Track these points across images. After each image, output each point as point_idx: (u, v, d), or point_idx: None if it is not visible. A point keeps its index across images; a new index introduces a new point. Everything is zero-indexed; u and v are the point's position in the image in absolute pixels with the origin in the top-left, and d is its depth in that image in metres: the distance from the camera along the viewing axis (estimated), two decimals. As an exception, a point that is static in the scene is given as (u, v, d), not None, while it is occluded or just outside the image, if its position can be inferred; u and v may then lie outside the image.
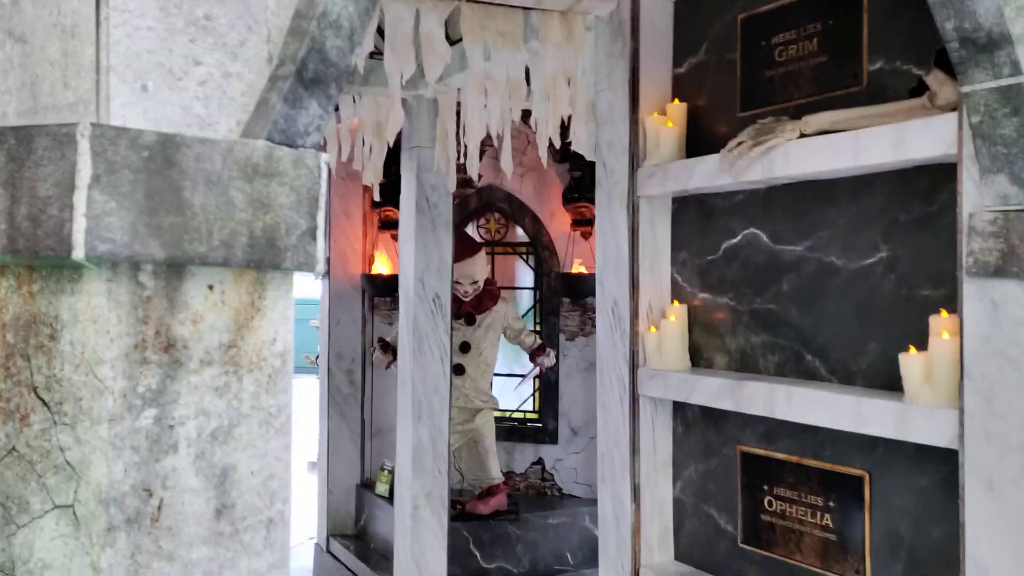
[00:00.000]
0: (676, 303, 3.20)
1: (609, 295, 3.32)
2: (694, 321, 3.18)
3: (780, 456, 2.84)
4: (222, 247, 1.16)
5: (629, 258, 3.23)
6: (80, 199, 1.07)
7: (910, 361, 2.31)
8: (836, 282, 2.68)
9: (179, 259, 1.13)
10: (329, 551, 5.90)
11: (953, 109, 2.26)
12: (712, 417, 3.08)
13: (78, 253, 1.07)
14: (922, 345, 2.34)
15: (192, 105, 1.19)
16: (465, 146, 4.15)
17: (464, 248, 5.05)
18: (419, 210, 4.69)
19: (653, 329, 3.18)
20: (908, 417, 2.29)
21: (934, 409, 2.24)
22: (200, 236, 1.14)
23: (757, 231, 2.94)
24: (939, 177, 2.39)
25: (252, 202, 1.18)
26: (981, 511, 2.12)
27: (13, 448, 1.18)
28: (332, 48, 1.24)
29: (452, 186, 4.54)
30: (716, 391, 2.88)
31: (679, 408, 3.23)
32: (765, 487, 2.89)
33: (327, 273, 5.98)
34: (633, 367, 3.21)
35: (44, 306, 1.17)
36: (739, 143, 2.74)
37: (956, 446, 2.18)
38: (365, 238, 5.96)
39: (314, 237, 1.23)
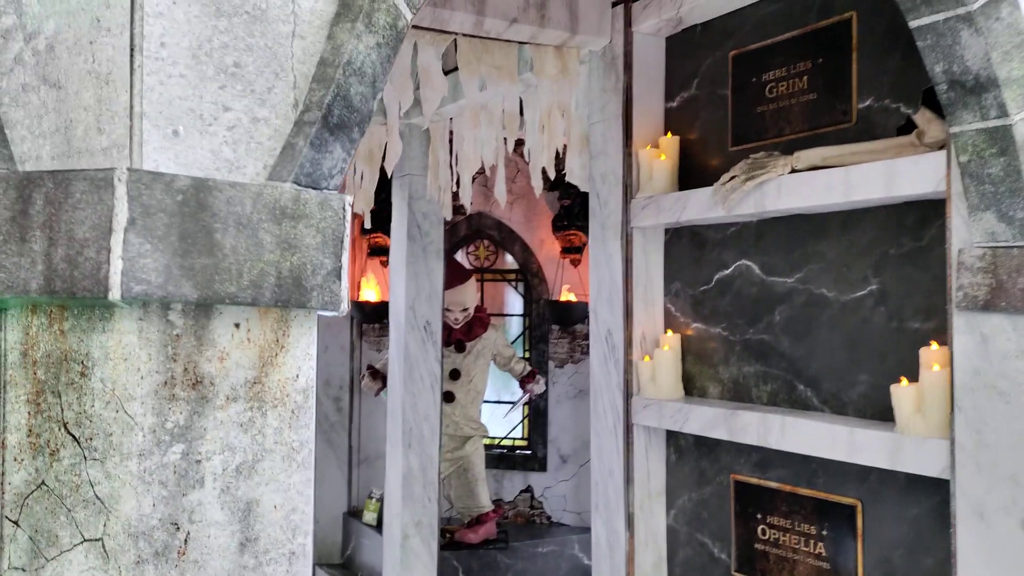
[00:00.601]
0: (669, 333, 3.25)
1: (603, 324, 3.37)
2: (687, 351, 3.23)
3: (773, 485, 2.89)
4: (251, 287, 1.19)
5: (623, 288, 3.28)
6: (117, 242, 1.10)
7: (902, 392, 2.37)
8: (827, 314, 2.74)
9: (210, 299, 1.17)
10: (317, 579, 5.87)
11: (941, 147, 2.33)
12: (706, 446, 3.12)
13: (114, 294, 1.10)
14: (913, 376, 2.40)
15: (221, 149, 1.22)
16: (458, 175, 4.20)
17: (454, 275, 5.09)
18: (410, 238, 4.73)
19: (647, 358, 3.23)
20: (900, 447, 2.35)
21: (925, 439, 2.29)
22: (230, 277, 1.18)
23: (749, 263, 3.01)
24: (928, 212, 2.46)
25: (280, 243, 1.21)
26: (972, 540, 2.17)
27: (43, 482, 1.20)
28: (356, 94, 1.28)
29: (447, 214, 4.60)
30: (710, 420, 2.92)
31: (672, 437, 3.27)
32: (758, 516, 2.93)
33: (317, 300, 6.00)
34: (627, 396, 3.25)
35: (75, 344, 1.20)
36: (732, 177, 2.80)
37: (947, 476, 2.24)
38: (354, 264, 5.98)
39: (339, 277, 1.27)
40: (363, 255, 5.99)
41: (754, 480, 2.95)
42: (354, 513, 5.92)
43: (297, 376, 1.33)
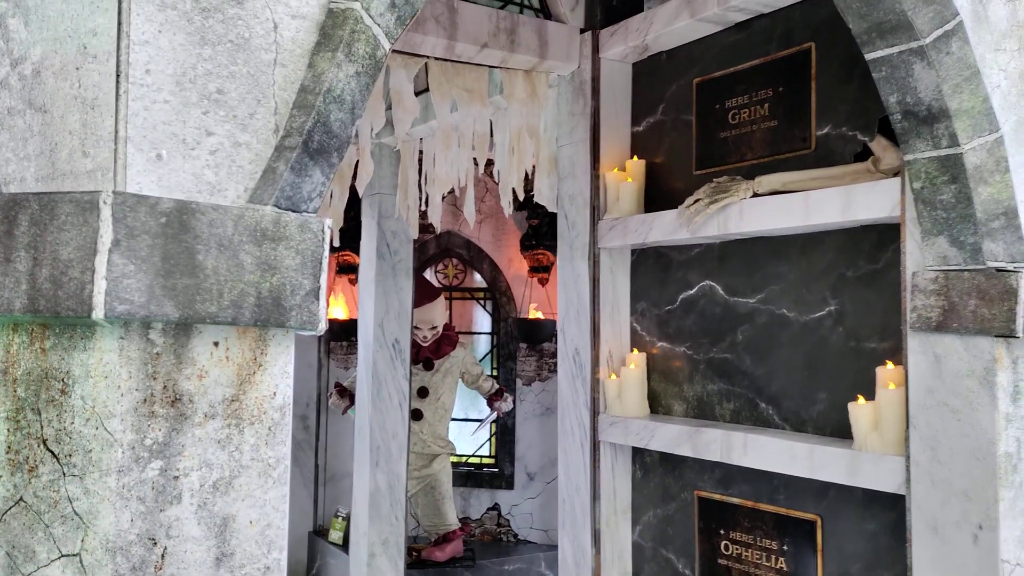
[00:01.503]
0: (635, 351, 3.32)
1: (571, 343, 3.43)
2: (653, 369, 3.29)
3: (736, 501, 2.95)
4: (231, 307, 1.23)
5: (590, 307, 3.34)
6: (101, 262, 1.13)
7: (859, 410, 2.45)
8: (788, 333, 2.82)
9: (191, 319, 1.20)
10: (282, 599, 5.83)
11: (896, 173, 2.43)
12: (671, 463, 3.19)
13: (98, 313, 1.13)
14: (870, 395, 2.48)
15: (203, 173, 1.26)
16: (428, 195, 4.25)
17: (423, 294, 5.12)
18: (379, 256, 4.76)
19: (613, 376, 3.29)
20: (858, 464, 2.42)
21: (882, 456, 2.37)
22: (211, 297, 1.21)
23: (713, 283, 3.08)
24: (884, 236, 2.56)
25: (260, 264, 1.25)
26: (927, 553, 2.24)
27: (21, 499, 1.22)
28: (336, 121, 1.33)
29: (414, 233, 4.64)
30: (675, 438, 2.99)
31: (638, 454, 3.33)
32: (721, 531, 3.00)
33: (284, 317, 5.99)
34: (594, 413, 3.31)
35: (56, 362, 1.22)
36: (696, 200, 2.88)
37: (903, 491, 2.31)
38: (323, 283, 5.99)
39: (317, 297, 1.30)
40: (332, 273, 6.00)
41: (717, 496, 3.02)
42: (320, 532, 5.90)
43: (275, 394, 1.36)
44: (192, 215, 1.20)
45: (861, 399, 2.47)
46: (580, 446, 3.35)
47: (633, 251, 3.39)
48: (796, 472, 2.61)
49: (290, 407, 1.36)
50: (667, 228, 3.05)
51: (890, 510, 2.48)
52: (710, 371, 3.08)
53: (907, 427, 2.31)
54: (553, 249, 5.62)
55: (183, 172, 1.25)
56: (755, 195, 2.76)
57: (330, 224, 1.33)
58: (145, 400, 1.23)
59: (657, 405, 3.28)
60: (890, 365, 2.45)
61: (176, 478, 1.25)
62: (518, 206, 5.84)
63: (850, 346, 2.64)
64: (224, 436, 1.30)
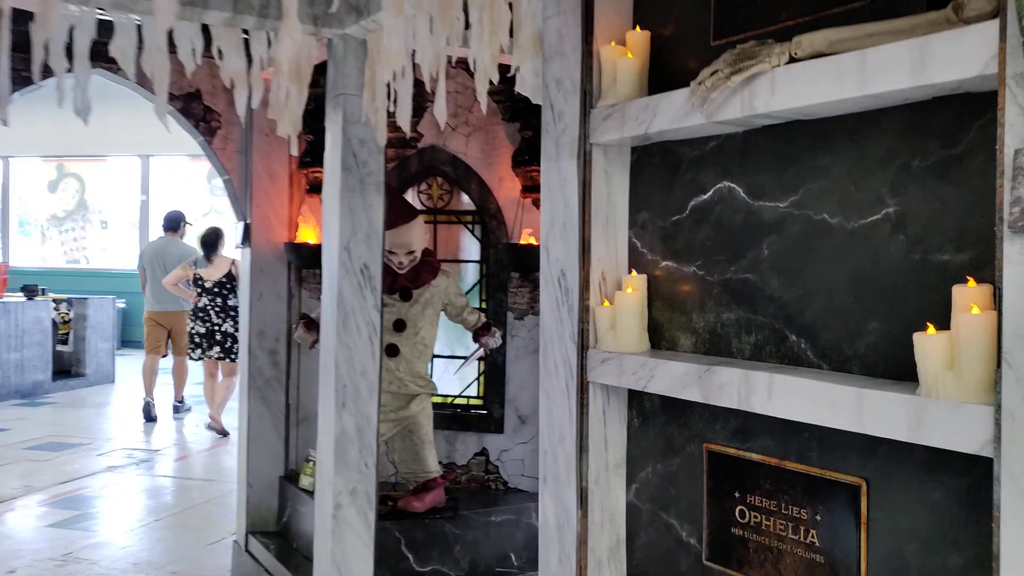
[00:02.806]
0: (634, 273, 2.68)
1: (555, 263, 2.80)
2: (655, 294, 2.66)
3: (755, 457, 2.34)
4: None
5: (579, 219, 2.70)
6: None
7: (928, 343, 1.81)
8: (829, 245, 2.18)
9: None
10: (248, 550, 5.34)
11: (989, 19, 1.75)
12: (675, 409, 2.57)
13: None
14: (943, 323, 1.84)
15: None
16: (395, 91, 3.59)
17: (398, 214, 4.49)
18: (345, 168, 4.11)
19: (607, 303, 2.66)
20: (924, 414, 1.80)
21: (959, 405, 1.75)
22: None
23: (733, 185, 2.43)
24: (965, 110, 1.89)
25: None
26: (1022, 536, 1.63)
27: None
28: None
29: (382, 140, 3.98)
30: (680, 378, 2.36)
31: (635, 398, 2.72)
32: (737, 494, 2.40)
33: (247, 240, 5.38)
34: (582, 349, 2.69)
35: None
36: (713, 72, 2.21)
37: (990, 452, 1.69)
38: (292, 203, 5.37)
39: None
40: (301, 192, 5.37)
41: (732, 451, 2.41)
42: (291, 477, 5.38)
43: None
44: None
45: (931, 328, 1.84)
46: (564, 388, 2.74)
47: (633, 149, 2.73)
48: (836, 424, 1.99)
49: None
50: (676, 112, 2.38)
51: (965, 474, 1.86)
52: (726, 296, 2.45)
53: (998, 366, 1.68)
54: (549, 165, 4.96)
55: None
56: (792, 60, 2.09)
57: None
58: None
59: (659, 339, 2.66)
60: (973, 283, 1.81)
61: None
62: (510, 115, 5.16)
63: (914, 259, 1.99)
64: None
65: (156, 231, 13.18)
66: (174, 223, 10.41)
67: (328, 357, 4.24)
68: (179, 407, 10.43)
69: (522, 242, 4.96)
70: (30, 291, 12.52)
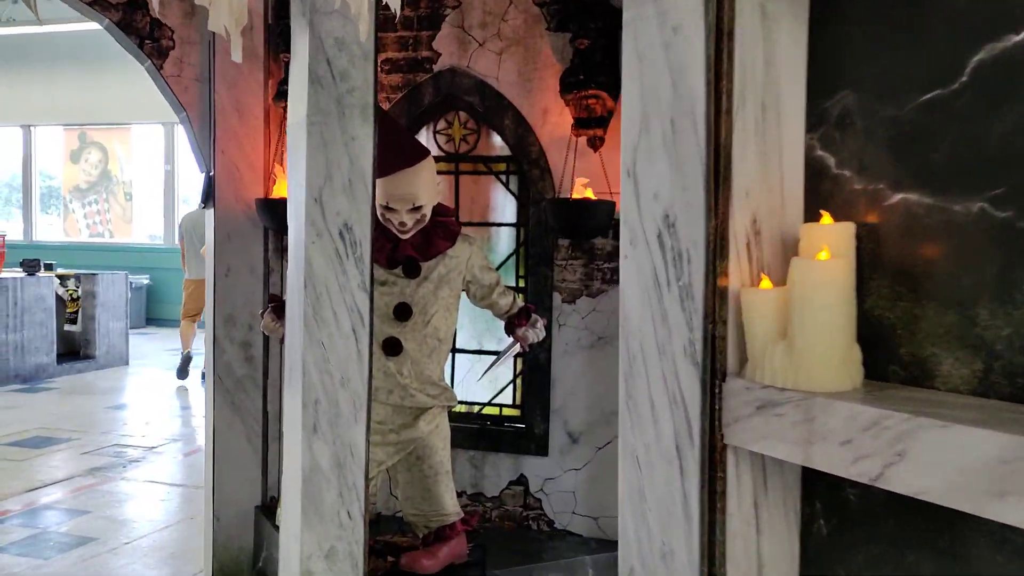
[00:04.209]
0: (825, 218, 1.29)
1: (652, 203, 1.41)
2: (874, 266, 1.27)
3: None
4: None
5: (705, 110, 1.31)
6: None
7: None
8: None
9: None
10: (211, 605, 4.07)
11: None
12: (926, 516, 1.18)
13: None
14: None
15: None
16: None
17: (398, 152, 3.13)
18: (315, 81, 2.75)
19: (767, 284, 1.27)
20: None
21: None
22: None
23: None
24: None
25: None
26: None
27: None
28: None
29: (364, 35, 2.61)
30: (989, 468, 0.97)
31: (819, 484, 1.33)
32: None
33: (210, 199, 4.08)
34: (712, 376, 1.31)
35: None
36: None
37: None
38: (267, 147, 4.04)
39: None
40: (280, 132, 4.03)
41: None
42: (270, 508, 4.09)
43: None
44: None
45: None
46: (672, 453, 1.36)
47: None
48: None
49: None
50: None
51: None
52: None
53: None
54: (613, 87, 3.55)
55: None
56: None
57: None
58: None
59: (883, 361, 1.26)
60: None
61: None
62: (557, 23, 3.76)
63: None
64: None
65: (181, 202, 12.64)
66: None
67: (293, 360, 2.92)
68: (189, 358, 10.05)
69: (575, 196, 3.56)
70: (30, 266, 11.48)
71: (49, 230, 18.23)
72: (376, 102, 2.83)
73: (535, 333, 3.41)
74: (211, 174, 4.04)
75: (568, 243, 3.81)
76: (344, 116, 2.77)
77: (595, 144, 3.63)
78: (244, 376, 4.11)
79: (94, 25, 3.91)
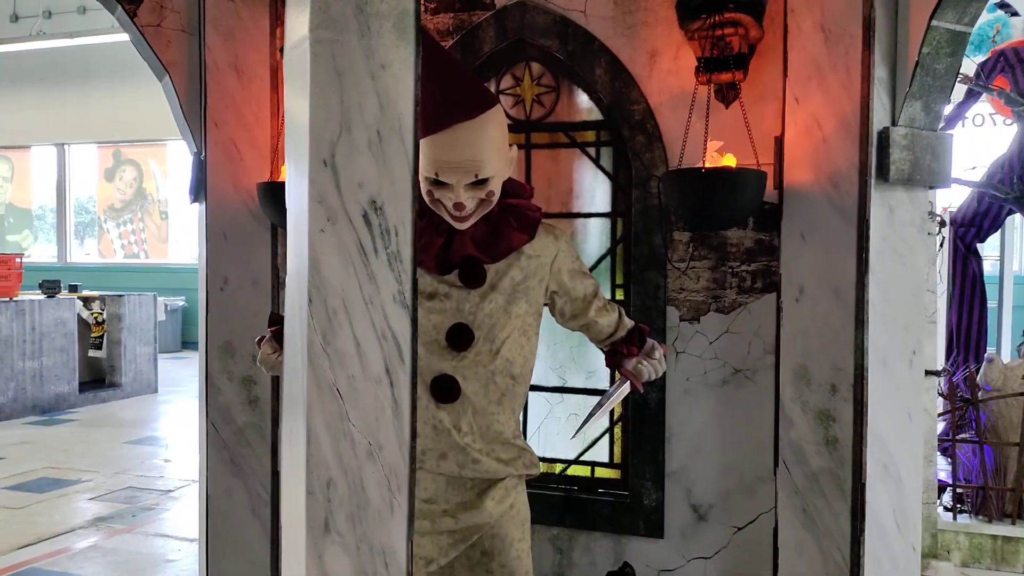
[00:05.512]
0: None
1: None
2: None
3: None
4: None
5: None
6: None
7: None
8: None
9: None
10: None
11: None
12: None
13: None
14: None
15: None
16: None
17: (451, 97, 2.08)
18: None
19: None
20: None
21: None
22: None
23: None
24: None
25: None
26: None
27: None
28: None
29: None
30: None
31: None
32: None
33: (201, 191, 3.08)
34: None
35: None
36: None
37: None
38: (276, 117, 3.03)
39: None
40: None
41: None
42: (282, 602, 3.04)
43: None
44: None
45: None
46: None
47: None
48: None
49: None
50: None
51: None
52: None
53: None
54: (757, 9, 2.48)
55: None
56: None
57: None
58: None
59: None
60: None
61: None
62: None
63: None
64: None
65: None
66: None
67: (292, 418, 1.88)
68: None
69: (707, 164, 2.46)
70: (50, 287, 10.71)
71: (81, 252, 17.83)
72: (419, 13, 1.77)
73: (652, 367, 2.31)
74: (202, 156, 3.04)
75: (688, 238, 2.72)
76: (369, 31, 1.71)
77: (728, 97, 2.55)
78: (247, 425, 3.08)
79: (127, 39, 3.02)
